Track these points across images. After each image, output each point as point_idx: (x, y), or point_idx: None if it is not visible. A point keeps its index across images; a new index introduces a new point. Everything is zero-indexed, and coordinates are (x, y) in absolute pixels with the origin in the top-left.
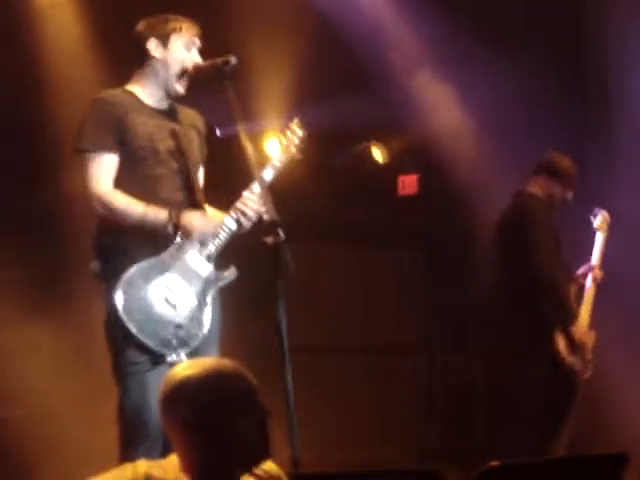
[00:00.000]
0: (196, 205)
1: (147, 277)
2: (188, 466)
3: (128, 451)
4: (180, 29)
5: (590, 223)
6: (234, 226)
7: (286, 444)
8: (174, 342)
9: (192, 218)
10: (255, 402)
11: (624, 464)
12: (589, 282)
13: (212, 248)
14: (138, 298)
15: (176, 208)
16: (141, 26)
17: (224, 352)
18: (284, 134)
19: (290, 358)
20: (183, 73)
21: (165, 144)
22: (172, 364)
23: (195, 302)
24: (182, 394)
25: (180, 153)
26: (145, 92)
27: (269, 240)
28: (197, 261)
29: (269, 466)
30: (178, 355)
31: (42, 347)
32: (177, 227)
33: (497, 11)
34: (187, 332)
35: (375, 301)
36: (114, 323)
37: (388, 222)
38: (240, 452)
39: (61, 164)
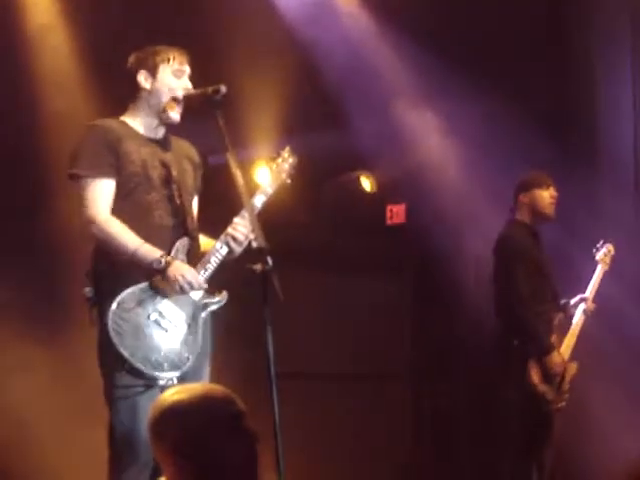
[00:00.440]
0: (188, 232)
1: (138, 301)
2: None
3: (118, 474)
4: (168, 59)
5: (593, 254)
6: (225, 251)
7: (273, 469)
8: (165, 365)
9: (182, 269)
10: (244, 427)
11: None
12: (579, 312)
13: (203, 273)
14: (129, 322)
15: (168, 238)
16: (131, 60)
17: (213, 378)
18: (275, 161)
19: (278, 384)
20: (174, 100)
21: (157, 171)
22: (163, 388)
23: (186, 326)
24: (171, 419)
25: (172, 181)
26: (138, 122)
27: (257, 267)
28: None
29: None
30: (170, 379)
31: (34, 370)
32: (163, 272)
33: (480, 40)
34: (178, 356)
35: (362, 329)
36: (106, 347)
37: (376, 251)
38: (228, 477)
39: (56, 191)
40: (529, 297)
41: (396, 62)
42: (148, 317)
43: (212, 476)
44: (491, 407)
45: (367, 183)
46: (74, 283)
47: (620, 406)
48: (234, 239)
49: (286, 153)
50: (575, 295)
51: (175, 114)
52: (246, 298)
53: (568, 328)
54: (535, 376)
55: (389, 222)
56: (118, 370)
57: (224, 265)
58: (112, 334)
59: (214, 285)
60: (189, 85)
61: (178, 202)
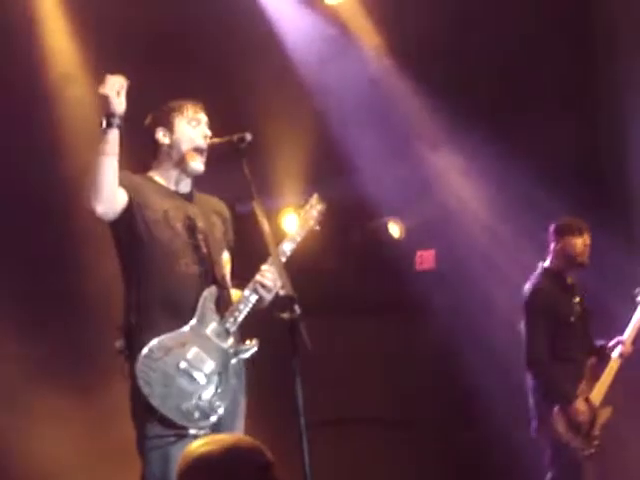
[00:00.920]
0: (216, 281)
1: (167, 351)
2: None
3: None
4: (182, 111)
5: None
6: (254, 298)
7: None
8: (196, 415)
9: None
10: (272, 478)
11: None
12: (615, 356)
13: (232, 321)
14: (158, 371)
15: (195, 286)
16: (148, 121)
17: (246, 427)
18: (303, 208)
19: (308, 433)
20: (196, 150)
21: (181, 221)
22: (195, 437)
23: (216, 375)
24: (199, 470)
25: (197, 230)
26: (162, 177)
27: (285, 316)
28: (217, 334)
29: None
30: (201, 428)
31: (65, 423)
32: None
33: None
34: (209, 404)
35: (392, 376)
36: (137, 398)
37: (405, 296)
38: None
39: (84, 242)
40: (547, 351)
41: (418, 103)
42: (177, 366)
43: None
44: (523, 457)
45: (395, 229)
46: (107, 335)
47: None
48: (263, 286)
49: (314, 200)
50: (611, 339)
51: (197, 164)
52: (276, 346)
53: (602, 372)
54: (560, 425)
55: (418, 268)
56: (149, 421)
57: (254, 313)
58: (141, 384)
59: (244, 333)
60: (208, 132)
61: (205, 251)
